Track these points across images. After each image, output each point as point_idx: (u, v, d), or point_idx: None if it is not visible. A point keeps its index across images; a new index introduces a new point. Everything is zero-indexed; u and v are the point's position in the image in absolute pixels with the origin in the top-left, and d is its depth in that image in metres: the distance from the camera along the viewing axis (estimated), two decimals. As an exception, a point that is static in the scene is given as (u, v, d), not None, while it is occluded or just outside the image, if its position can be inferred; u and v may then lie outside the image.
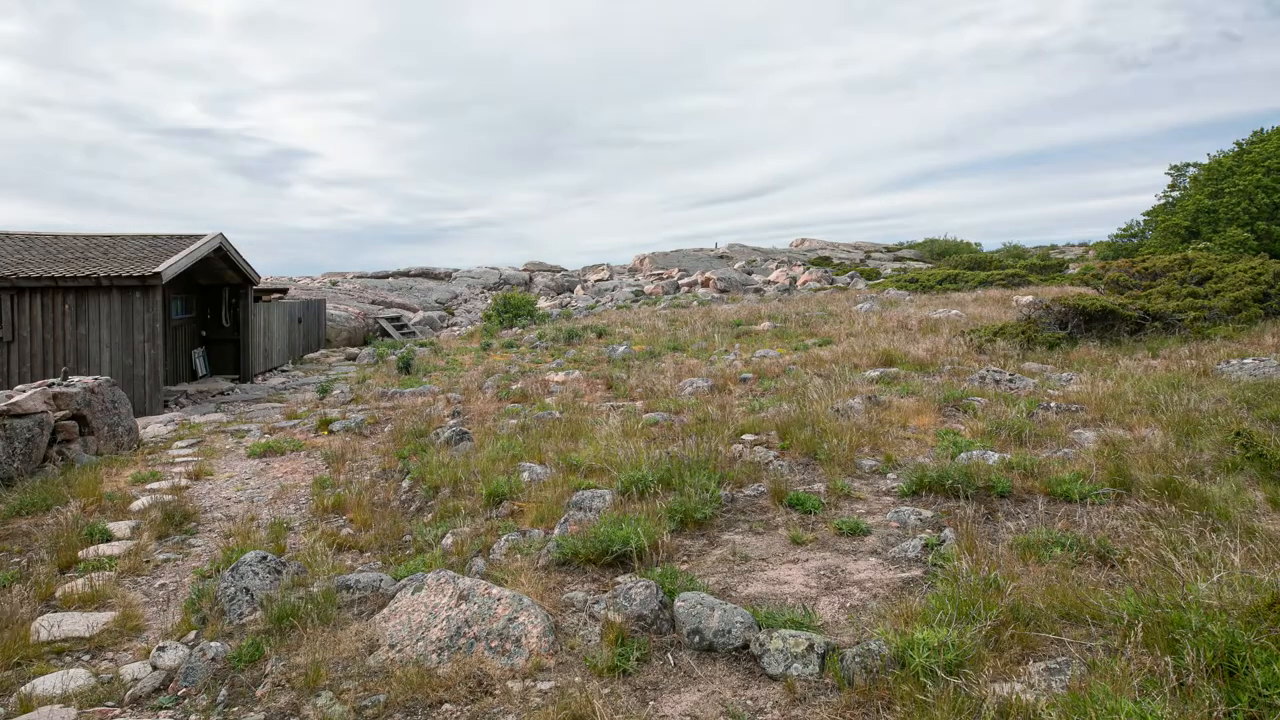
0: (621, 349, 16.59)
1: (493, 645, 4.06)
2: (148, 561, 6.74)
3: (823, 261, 47.17)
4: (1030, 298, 18.17)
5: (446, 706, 3.65)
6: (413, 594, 4.55)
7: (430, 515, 7.24)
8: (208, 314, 20.42)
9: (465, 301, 42.25)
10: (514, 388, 13.01)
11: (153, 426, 12.82)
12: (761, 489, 6.42)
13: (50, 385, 10.36)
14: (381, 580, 5.02)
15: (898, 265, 48.56)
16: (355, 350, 26.33)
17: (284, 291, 26.17)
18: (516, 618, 4.19)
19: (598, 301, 38.35)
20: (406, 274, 47.20)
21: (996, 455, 6.64)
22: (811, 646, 3.74)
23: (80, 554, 6.80)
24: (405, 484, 8.56)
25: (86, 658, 5.08)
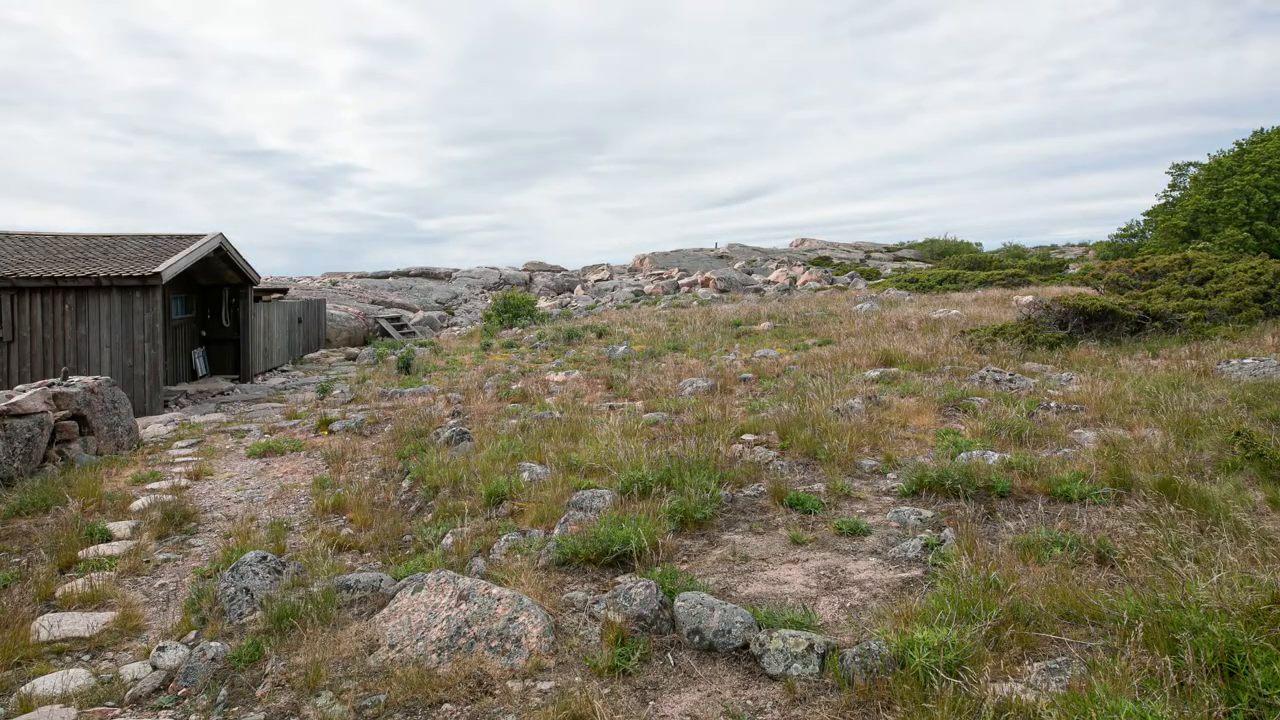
0: (621, 349, 16.59)
1: (493, 645, 4.06)
2: (148, 561, 6.73)
3: (823, 261, 47.16)
4: (1030, 298, 18.16)
5: (446, 706, 3.65)
6: (413, 594, 4.55)
7: (430, 515, 7.24)
8: (208, 314, 20.42)
9: (465, 301, 42.24)
10: (514, 388, 13.01)
11: (153, 426, 12.82)
12: (761, 489, 6.42)
13: (50, 385, 10.35)
14: (381, 580, 5.02)
15: (898, 265, 48.55)
16: (355, 350, 26.32)
17: (284, 291, 26.17)
18: (516, 618, 4.19)
19: (598, 301, 38.34)
20: (406, 274, 47.18)
21: (996, 455, 6.64)
22: (811, 646, 3.74)
23: (80, 554, 6.79)
24: (405, 484, 8.55)
25: (86, 658, 5.08)
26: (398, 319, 32.98)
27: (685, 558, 5.20)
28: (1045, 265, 32.60)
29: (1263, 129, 33.49)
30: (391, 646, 4.19)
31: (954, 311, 18.25)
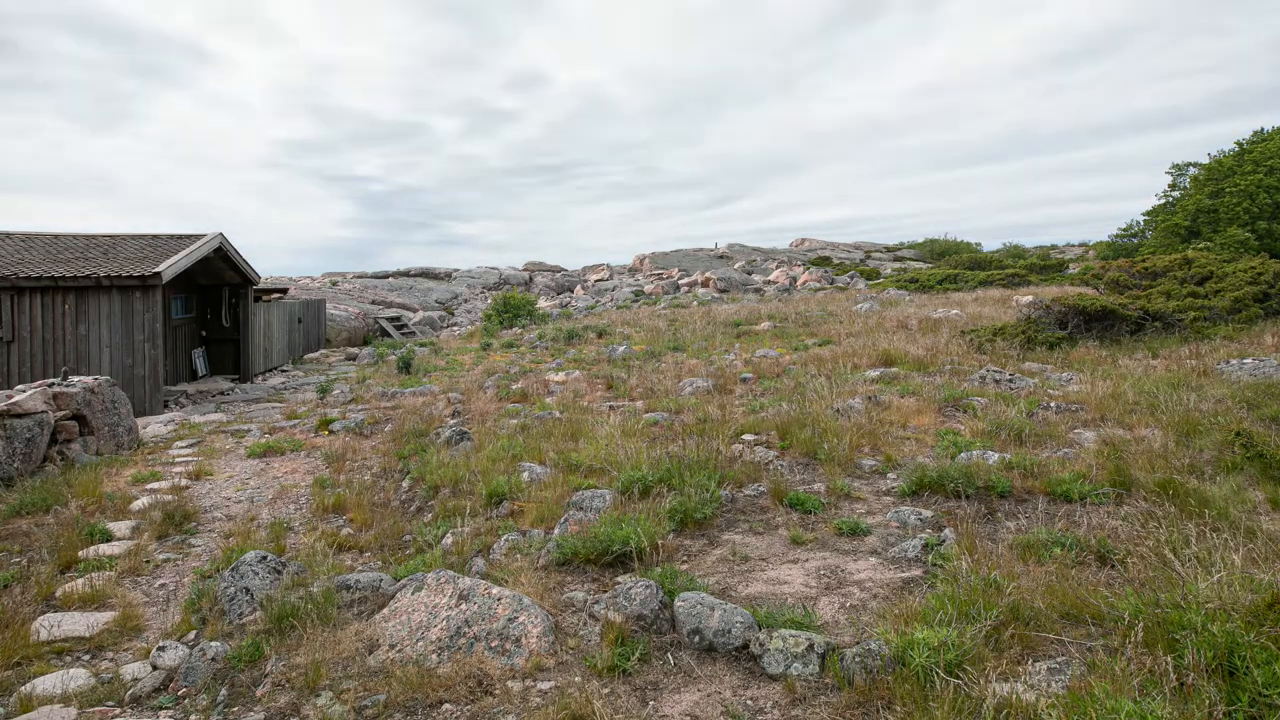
0: (622, 349, 16.59)
1: (493, 645, 4.06)
2: (148, 561, 6.73)
3: (823, 261, 47.16)
4: (1030, 298, 18.15)
5: (446, 706, 3.65)
6: (413, 594, 4.55)
7: (430, 515, 7.24)
8: (208, 314, 20.42)
9: (465, 301, 42.24)
10: (514, 388, 13.01)
11: (153, 426, 12.82)
12: (761, 489, 6.42)
13: (50, 385, 10.35)
14: (381, 580, 5.02)
15: (898, 265, 48.55)
16: (355, 350, 26.32)
17: (284, 291, 26.17)
18: (516, 618, 4.19)
19: (598, 301, 38.34)
20: (406, 274, 47.17)
21: (996, 455, 6.64)
22: (811, 646, 3.74)
23: (80, 554, 6.79)
24: (405, 484, 8.55)
25: (86, 658, 5.08)
26: (398, 319, 32.97)
27: (685, 558, 5.20)
28: (1045, 265, 32.58)
29: (1263, 129, 33.47)
30: (391, 646, 4.19)
31: (954, 311, 18.24)
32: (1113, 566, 4.44)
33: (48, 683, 4.59)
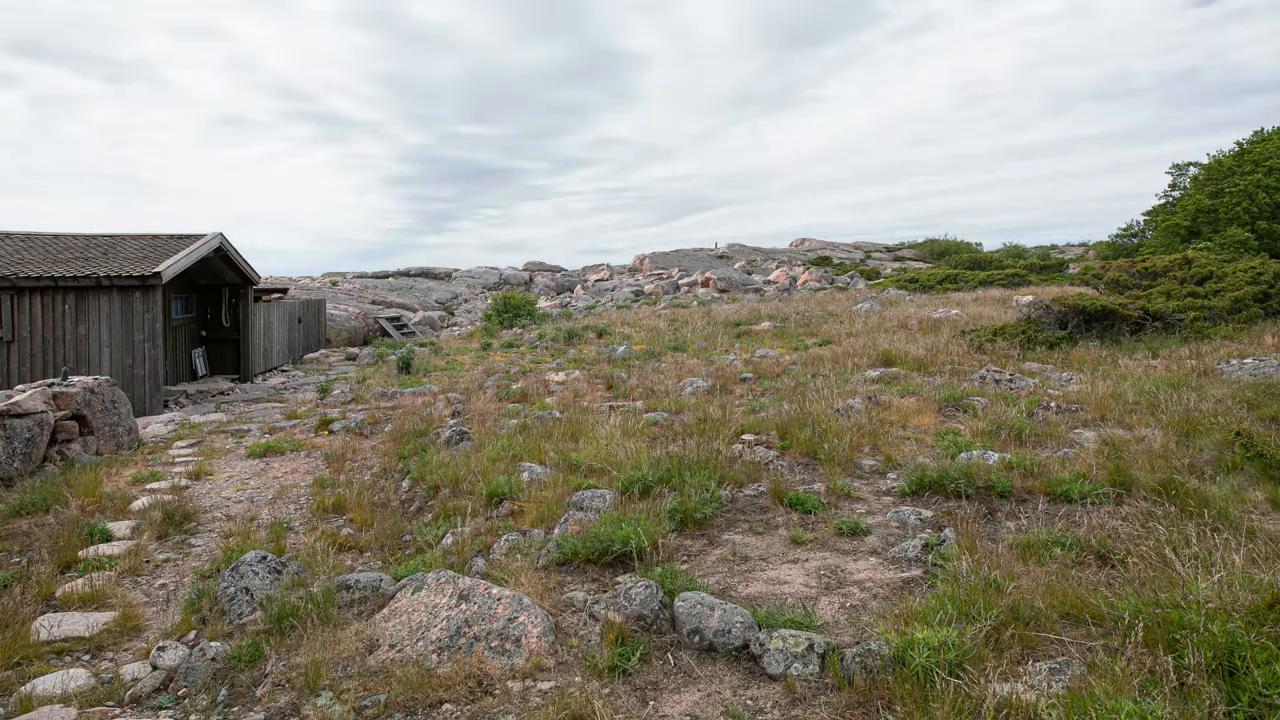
0: (622, 349, 16.58)
1: (493, 645, 4.06)
2: (148, 561, 6.73)
3: (823, 261, 47.16)
4: (1030, 297, 18.14)
5: (446, 706, 3.65)
6: (413, 594, 4.55)
7: (430, 515, 7.24)
8: (208, 314, 20.41)
9: (465, 301, 42.24)
10: (514, 388, 13.01)
11: (153, 426, 12.82)
12: (761, 489, 6.42)
13: (50, 385, 10.35)
14: (381, 580, 5.02)
15: (898, 265, 48.55)
16: (355, 350, 26.31)
17: (284, 291, 26.17)
18: (516, 618, 4.19)
19: (598, 301, 38.34)
20: (406, 274, 47.18)
21: (996, 455, 6.64)
22: (811, 646, 3.74)
23: (80, 554, 6.79)
24: (405, 484, 8.55)
25: (86, 658, 5.07)
26: (398, 319, 32.96)
27: (685, 558, 5.20)
28: (1045, 265, 32.59)
29: (1263, 129, 33.49)
30: (391, 646, 4.19)
31: (954, 311, 18.24)
32: (1113, 566, 4.44)
33: (48, 683, 4.59)
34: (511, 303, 30.12)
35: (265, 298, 23.53)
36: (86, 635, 5.32)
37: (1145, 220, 36.11)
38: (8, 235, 17.08)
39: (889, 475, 6.81)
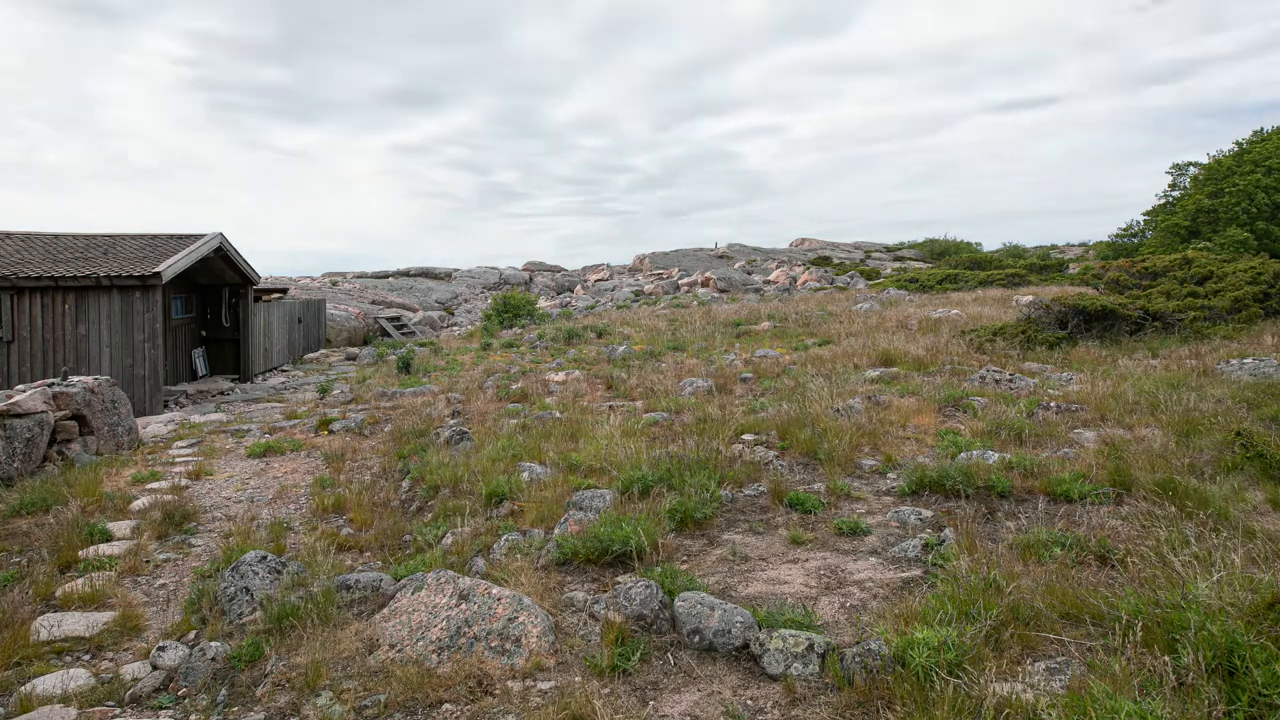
0: (621, 349, 16.58)
1: (493, 645, 4.06)
2: (148, 561, 6.73)
3: (823, 261, 47.16)
4: (1030, 297, 18.12)
5: (446, 706, 3.65)
6: (413, 594, 4.55)
7: (430, 515, 7.24)
8: (208, 314, 20.41)
9: (465, 301, 42.24)
10: (514, 387, 13.01)
11: (153, 426, 12.82)
12: (761, 489, 6.42)
13: (50, 385, 10.35)
14: (381, 580, 5.02)
15: (898, 265, 48.55)
16: (355, 350, 26.31)
17: (284, 291, 26.17)
18: (516, 617, 4.19)
19: (598, 301, 38.34)
20: (406, 274, 47.17)
21: (996, 455, 6.64)
22: (811, 646, 3.73)
23: (80, 554, 6.79)
24: (405, 484, 8.55)
25: (86, 657, 5.07)
26: (398, 319, 32.96)
27: (685, 557, 5.20)
28: (1045, 265, 32.58)
29: (1263, 129, 33.47)
30: (391, 646, 4.19)
31: (954, 311, 18.24)
32: (1113, 566, 4.44)
33: (48, 683, 4.59)
34: (511, 303, 30.12)
35: (265, 298, 23.52)
36: (86, 635, 5.32)
37: (1145, 220, 36.09)
38: (8, 235, 17.08)
39: (889, 475, 6.81)
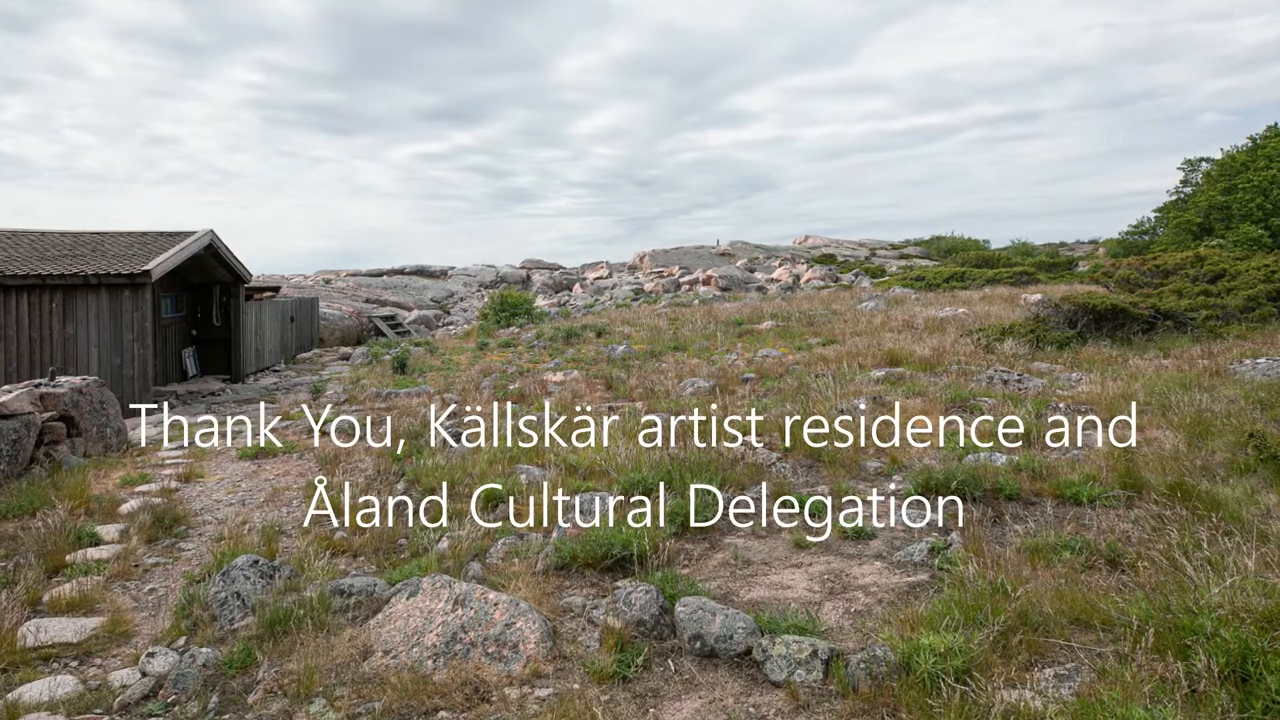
0: (621, 348, 16.50)
1: (489, 651, 3.97)
2: (137, 565, 6.63)
3: (827, 259, 47.15)
4: (1039, 296, 18.02)
5: (442, 714, 3.57)
6: (408, 599, 4.46)
7: (426, 518, 7.14)
8: (198, 313, 20.27)
9: (461, 300, 42.14)
10: (512, 388, 12.92)
11: (142, 428, 12.71)
12: (764, 491, 6.33)
13: (37, 386, 10.23)
14: (376, 585, 4.93)
15: (903, 263, 48.53)
16: (349, 349, 26.20)
17: (276, 290, 26.06)
18: (514, 623, 4.10)
19: (597, 300, 38.28)
20: (401, 272, 47.02)
21: (1004, 457, 6.56)
22: (815, 652, 3.66)
23: (68, 558, 6.68)
24: (401, 486, 8.46)
25: (74, 664, 4.97)
26: (392, 318, 32.84)
27: (686, 562, 5.11)
28: (1054, 263, 32.54)
29: (1277, 124, 33.30)
30: (386, 652, 4.10)
31: (960, 310, 18.17)
32: (1123, 570, 4.36)
33: (34, 690, 4.49)
34: (509, 301, 30.05)
35: (257, 296, 23.37)
36: (74, 641, 5.22)
37: (1157, 217, 36.00)
38: None
39: (894, 477, 6.72)
